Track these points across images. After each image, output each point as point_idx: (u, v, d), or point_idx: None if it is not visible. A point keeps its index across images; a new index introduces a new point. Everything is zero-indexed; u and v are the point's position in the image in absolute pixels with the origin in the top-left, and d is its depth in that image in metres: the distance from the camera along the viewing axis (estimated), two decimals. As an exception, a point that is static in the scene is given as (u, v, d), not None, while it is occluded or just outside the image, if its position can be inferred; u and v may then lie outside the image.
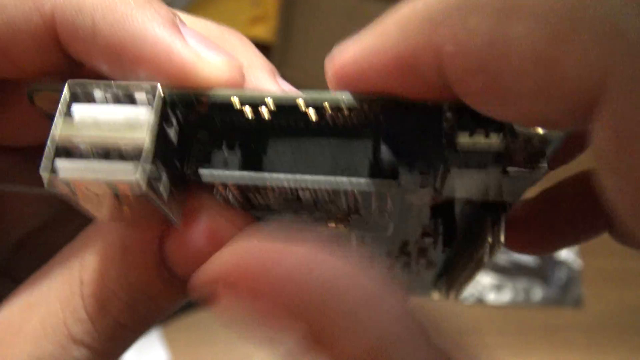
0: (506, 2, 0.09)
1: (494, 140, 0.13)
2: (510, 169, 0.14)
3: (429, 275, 0.26)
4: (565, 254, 0.65)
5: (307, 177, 0.14)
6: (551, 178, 0.17)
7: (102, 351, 0.17)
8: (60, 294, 0.16)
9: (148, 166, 0.13)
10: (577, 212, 0.19)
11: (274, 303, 0.12)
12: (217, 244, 0.16)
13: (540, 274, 0.65)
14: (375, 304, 0.12)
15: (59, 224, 0.22)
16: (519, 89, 0.10)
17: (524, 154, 0.13)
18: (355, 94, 0.14)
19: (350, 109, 0.14)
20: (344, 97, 0.14)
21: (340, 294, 0.12)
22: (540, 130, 0.13)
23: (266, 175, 0.14)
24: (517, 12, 0.09)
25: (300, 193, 0.15)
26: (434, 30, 0.11)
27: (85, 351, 0.16)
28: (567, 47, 0.09)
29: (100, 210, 0.14)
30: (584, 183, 0.19)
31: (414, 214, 0.19)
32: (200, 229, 0.16)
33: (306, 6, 0.69)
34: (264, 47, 0.73)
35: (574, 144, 0.16)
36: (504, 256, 0.66)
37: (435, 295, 0.27)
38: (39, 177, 0.20)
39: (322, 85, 0.15)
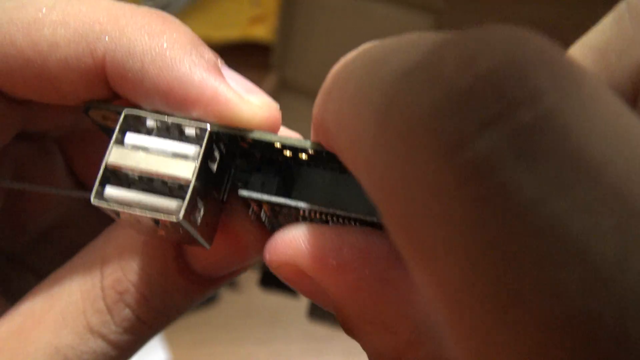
0: (330, 98, 0.12)
1: None
2: None
3: None
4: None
5: (339, 212, 0.15)
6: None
7: (118, 344, 0.17)
8: (81, 286, 0.17)
9: (190, 206, 0.14)
10: None
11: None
12: (237, 250, 0.17)
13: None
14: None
15: (80, 220, 0.22)
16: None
17: None
18: None
19: None
20: None
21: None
22: None
23: (300, 203, 0.15)
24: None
25: (325, 217, 0.15)
26: (322, 107, 0.13)
27: (102, 343, 0.17)
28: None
29: (138, 229, 0.15)
30: None
31: None
32: (224, 239, 0.17)
33: (306, 6, 0.69)
34: (263, 47, 0.73)
35: None
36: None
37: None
38: (56, 167, 0.21)
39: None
